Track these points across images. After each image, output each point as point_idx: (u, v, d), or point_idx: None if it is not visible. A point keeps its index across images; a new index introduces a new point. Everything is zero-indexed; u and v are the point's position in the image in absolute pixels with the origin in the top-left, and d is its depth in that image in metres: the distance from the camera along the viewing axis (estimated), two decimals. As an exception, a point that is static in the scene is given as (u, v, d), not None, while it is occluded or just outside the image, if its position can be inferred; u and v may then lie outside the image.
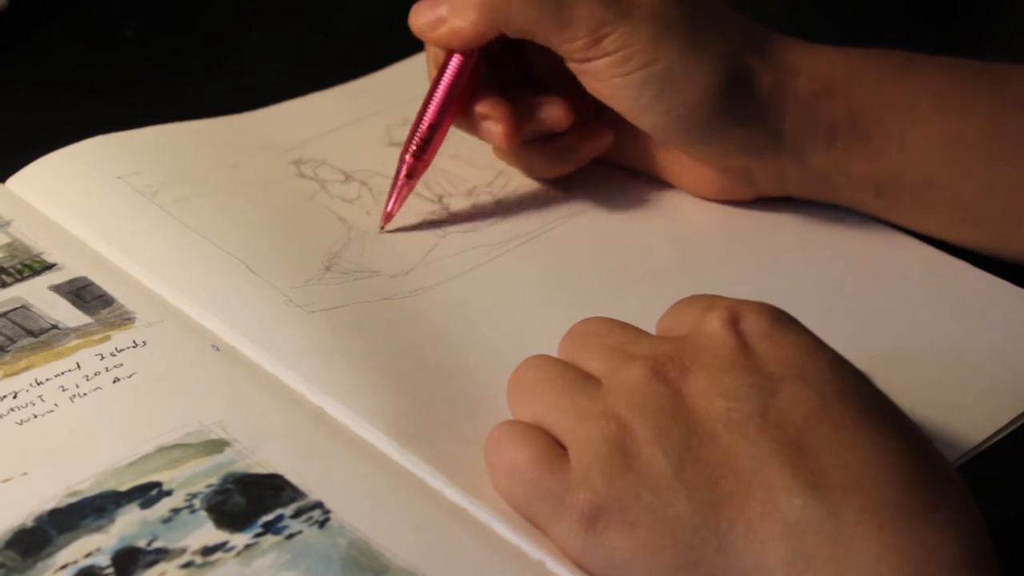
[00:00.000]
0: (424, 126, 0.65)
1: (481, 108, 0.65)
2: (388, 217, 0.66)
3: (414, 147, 0.65)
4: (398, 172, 0.66)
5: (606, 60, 0.62)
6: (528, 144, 0.67)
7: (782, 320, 0.50)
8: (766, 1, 0.90)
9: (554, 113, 0.66)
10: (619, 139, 0.68)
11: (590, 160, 0.68)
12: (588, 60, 0.63)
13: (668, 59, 0.62)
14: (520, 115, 0.66)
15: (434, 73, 0.66)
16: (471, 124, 0.66)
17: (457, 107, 0.65)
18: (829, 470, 0.46)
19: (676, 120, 0.63)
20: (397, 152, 0.70)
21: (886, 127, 0.63)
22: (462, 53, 0.65)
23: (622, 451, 0.48)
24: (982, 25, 0.90)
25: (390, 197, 0.66)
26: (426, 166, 0.66)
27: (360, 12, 0.85)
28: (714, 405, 0.48)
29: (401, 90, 0.75)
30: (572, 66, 0.64)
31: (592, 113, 0.67)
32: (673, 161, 0.68)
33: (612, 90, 0.63)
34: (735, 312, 0.50)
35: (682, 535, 0.47)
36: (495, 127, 0.65)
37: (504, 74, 0.67)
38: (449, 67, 0.65)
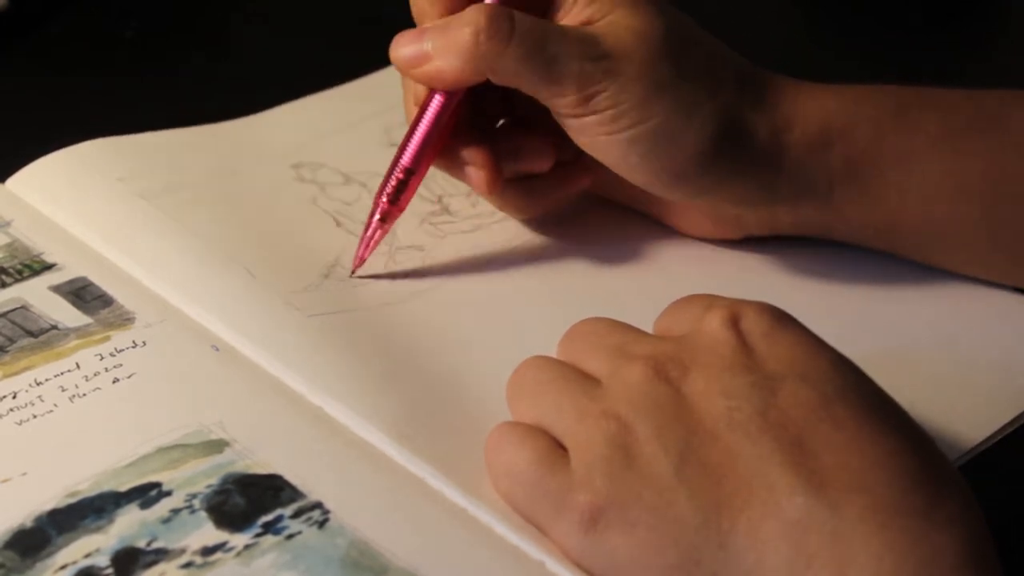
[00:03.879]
0: (400, 170, 0.63)
1: (463, 153, 0.63)
2: (360, 261, 0.63)
3: (389, 190, 0.63)
4: (371, 215, 0.63)
5: (595, 118, 0.60)
6: (506, 183, 0.65)
7: (782, 320, 0.50)
8: (768, 3, 0.91)
9: (535, 155, 0.64)
10: (609, 178, 0.65)
11: (565, 202, 0.67)
12: (577, 116, 0.61)
13: (658, 119, 0.60)
14: (501, 155, 0.64)
15: (413, 111, 0.63)
16: (452, 167, 0.64)
17: (437, 148, 0.63)
18: (830, 469, 0.46)
19: (666, 178, 0.62)
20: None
21: (884, 175, 0.62)
22: (443, 96, 0.62)
23: (623, 451, 0.48)
24: (982, 25, 0.90)
25: (361, 242, 0.63)
26: (400, 211, 0.63)
27: (360, 12, 0.85)
28: (715, 404, 0.48)
29: (401, 91, 0.74)
30: (560, 120, 0.62)
31: (571, 152, 0.64)
32: (663, 205, 0.66)
33: (600, 147, 0.61)
34: (735, 311, 0.50)
35: (683, 535, 0.47)
36: (477, 173, 0.63)
37: (486, 106, 0.65)
38: (430, 109, 0.62)
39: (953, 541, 0.45)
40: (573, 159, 0.65)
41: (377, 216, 0.63)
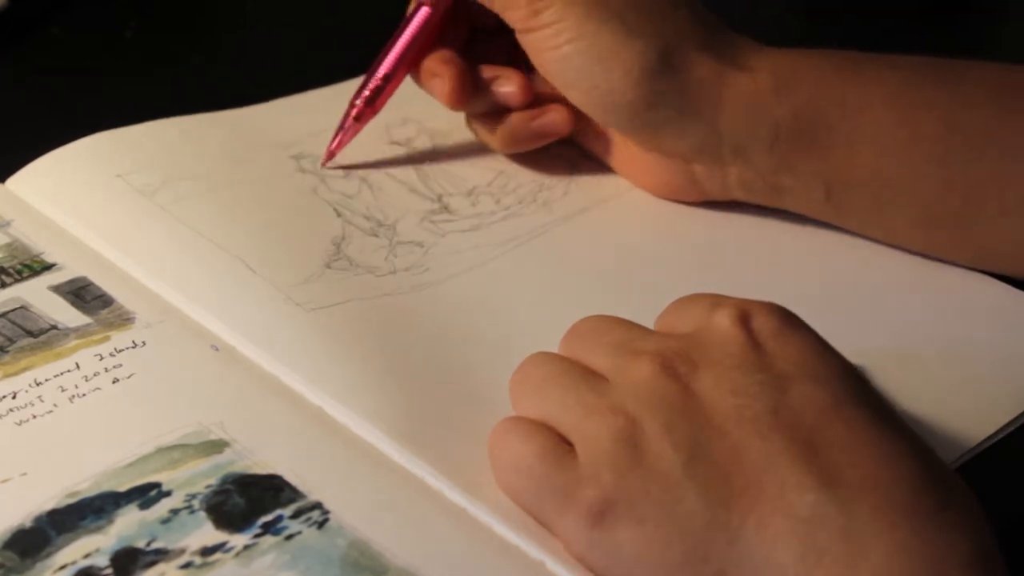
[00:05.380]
0: (379, 76, 0.68)
1: (431, 63, 0.68)
2: (330, 155, 0.69)
3: (367, 93, 0.68)
4: (347, 114, 0.69)
5: (542, 33, 0.64)
6: (487, 116, 0.69)
7: (791, 321, 0.50)
8: (768, 2, 0.91)
9: (508, 88, 0.68)
10: (579, 122, 0.69)
11: (547, 140, 0.70)
12: (528, 31, 0.64)
13: (595, 37, 0.63)
14: (479, 86, 0.68)
15: None
16: (424, 78, 0.69)
17: (414, 60, 0.68)
18: (841, 468, 0.46)
19: (599, 98, 0.64)
20: (397, 150, 0.70)
21: (834, 127, 0.63)
22: (430, 6, 0.67)
23: (631, 446, 0.48)
24: (980, 24, 0.90)
25: (335, 136, 0.69)
26: (374, 113, 0.69)
27: (360, 11, 0.85)
28: (724, 401, 0.48)
29: (402, 90, 0.74)
30: (517, 37, 0.66)
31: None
32: (622, 150, 0.69)
33: (545, 64, 0.65)
34: (744, 310, 0.50)
35: (692, 530, 0.47)
36: (441, 84, 0.67)
37: (497, 52, 0.69)
38: (413, 20, 0.68)
39: (962, 542, 0.45)
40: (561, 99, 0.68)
41: (352, 115, 0.69)
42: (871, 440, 0.47)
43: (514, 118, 0.69)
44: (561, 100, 0.67)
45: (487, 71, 0.68)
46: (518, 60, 0.68)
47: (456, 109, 0.69)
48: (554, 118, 0.69)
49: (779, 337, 0.49)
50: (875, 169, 0.63)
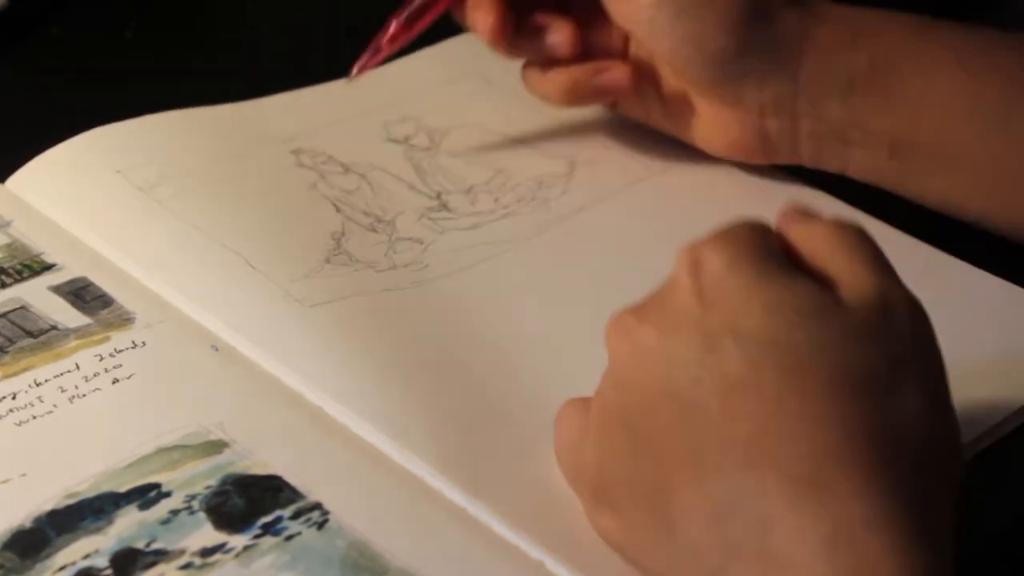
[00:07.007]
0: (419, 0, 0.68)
1: None
2: (360, 70, 0.68)
3: (405, 15, 0.67)
4: (382, 33, 0.68)
5: None
6: (544, 67, 0.67)
7: (735, 261, 0.47)
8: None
9: (555, 38, 0.67)
10: (637, 88, 0.68)
11: (608, 98, 0.69)
12: None
13: None
14: (526, 33, 0.66)
15: None
16: (463, 11, 0.67)
17: None
18: (750, 443, 0.44)
19: (690, 47, 0.64)
20: (395, 148, 0.70)
21: (906, 82, 0.64)
22: None
23: (605, 430, 0.48)
24: (984, 22, 0.90)
25: (366, 51, 0.68)
26: (410, 37, 0.68)
27: (360, 10, 0.84)
28: (657, 370, 0.46)
29: (400, 88, 0.75)
30: None
31: (621, 51, 0.68)
32: (688, 110, 0.68)
33: (632, 12, 0.64)
34: (696, 256, 0.47)
35: (648, 519, 0.47)
36: (484, 17, 0.66)
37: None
38: None
39: (860, 513, 0.43)
40: (618, 52, 0.67)
41: (390, 33, 0.68)
42: (779, 411, 0.44)
43: (577, 71, 0.67)
44: (618, 59, 0.67)
45: (540, 18, 0.67)
46: (570, 12, 0.67)
47: (496, 46, 0.67)
48: (618, 76, 0.67)
49: (719, 285, 0.46)
50: (939, 128, 0.64)
